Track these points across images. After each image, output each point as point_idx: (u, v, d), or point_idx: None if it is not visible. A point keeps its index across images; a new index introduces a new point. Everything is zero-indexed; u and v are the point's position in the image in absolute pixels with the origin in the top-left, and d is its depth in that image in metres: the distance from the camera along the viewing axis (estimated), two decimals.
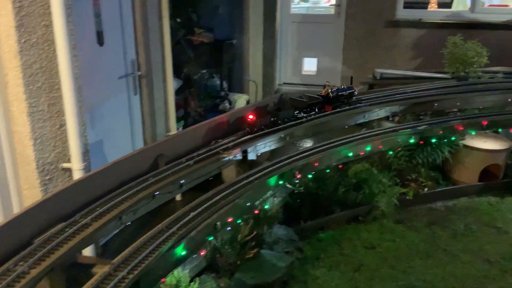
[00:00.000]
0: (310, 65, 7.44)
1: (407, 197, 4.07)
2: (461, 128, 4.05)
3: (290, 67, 7.45)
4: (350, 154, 3.51)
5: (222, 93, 5.67)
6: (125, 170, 2.58)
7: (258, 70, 6.55)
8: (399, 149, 4.02)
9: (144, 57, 3.86)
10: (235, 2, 5.86)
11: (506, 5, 6.95)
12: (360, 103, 3.88)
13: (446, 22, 6.60)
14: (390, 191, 3.97)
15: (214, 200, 2.59)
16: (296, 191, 3.54)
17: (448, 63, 4.84)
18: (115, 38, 3.64)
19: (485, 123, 4.10)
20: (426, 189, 4.23)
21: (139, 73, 3.86)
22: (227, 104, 5.52)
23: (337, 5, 6.99)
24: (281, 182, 3.04)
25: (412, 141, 3.86)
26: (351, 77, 4.08)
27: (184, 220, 2.36)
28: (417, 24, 6.67)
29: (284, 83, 7.49)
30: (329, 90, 3.71)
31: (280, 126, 3.33)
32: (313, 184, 3.62)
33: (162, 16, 3.90)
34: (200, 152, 2.88)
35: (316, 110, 3.59)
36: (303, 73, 7.45)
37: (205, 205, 2.51)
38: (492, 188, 4.40)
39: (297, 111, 3.49)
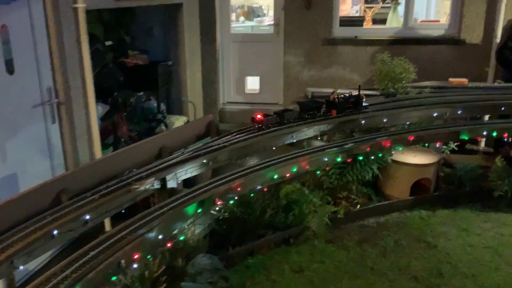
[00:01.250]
0: (253, 83, 7.40)
1: (339, 216, 4.01)
2: (387, 144, 4.04)
3: (233, 86, 7.37)
4: (275, 177, 3.43)
5: (159, 116, 5.51)
6: (21, 208, 2.39)
7: (197, 91, 6.44)
8: (327, 168, 3.97)
9: (62, 83, 3.67)
10: (170, 23, 5.75)
11: (437, 21, 7.17)
12: (367, 108, 4.05)
13: (381, 39, 6.71)
14: (321, 210, 3.91)
15: (119, 236, 2.42)
16: (222, 217, 3.41)
17: (377, 80, 4.87)
18: (28, 65, 3.45)
19: (411, 138, 4.12)
20: (358, 206, 4.20)
21: (57, 100, 3.67)
22: (163, 127, 5.36)
23: (276, 25, 7.00)
24: (200, 210, 2.91)
25: (339, 159, 3.82)
26: (359, 86, 4.24)
27: (81, 261, 2.19)
28: (353, 41, 6.75)
29: (228, 102, 7.41)
30: (336, 96, 3.94)
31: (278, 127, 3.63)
32: (240, 208, 3.50)
33: (80, 41, 3.73)
34: (109, 184, 2.72)
35: (321, 113, 3.89)
36: (247, 91, 7.39)
37: (107, 243, 2.34)
38: (424, 201, 4.41)
39: (303, 113, 3.82)
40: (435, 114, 4.37)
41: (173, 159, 3.20)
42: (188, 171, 3.22)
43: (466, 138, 4.38)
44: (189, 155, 3.26)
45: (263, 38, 7.27)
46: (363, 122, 4.14)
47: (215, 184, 3.08)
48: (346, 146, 3.84)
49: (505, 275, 3.31)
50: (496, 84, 5.37)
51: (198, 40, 6.29)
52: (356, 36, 6.74)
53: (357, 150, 3.92)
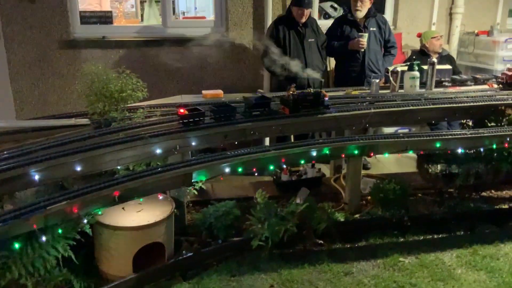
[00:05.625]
0: None
1: None
2: (75, 210, 2.52)
3: None
4: None
5: None
6: None
7: None
8: None
9: None
10: None
11: (203, 17, 5.95)
12: (328, 108, 3.47)
13: (137, 39, 5.21)
14: None
15: None
16: None
17: (88, 101, 3.32)
18: None
19: (117, 194, 2.66)
20: None
21: None
22: None
23: None
24: None
25: None
26: (321, 81, 3.94)
27: None
28: (102, 43, 5.10)
29: None
30: (291, 92, 3.42)
31: None
32: None
33: None
34: None
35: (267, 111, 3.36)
36: None
37: None
38: (155, 276, 3.01)
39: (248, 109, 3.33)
40: (158, 151, 2.99)
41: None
42: None
43: (204, 179, 3.13)
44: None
45: None
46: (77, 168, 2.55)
47: None
48: None
49: None
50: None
51: None
52: (104, 37, 5.12)
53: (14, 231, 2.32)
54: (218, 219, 3.37)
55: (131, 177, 2.73)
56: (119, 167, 2.93)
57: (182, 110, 3.08)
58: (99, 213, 2.70)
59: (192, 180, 2.97)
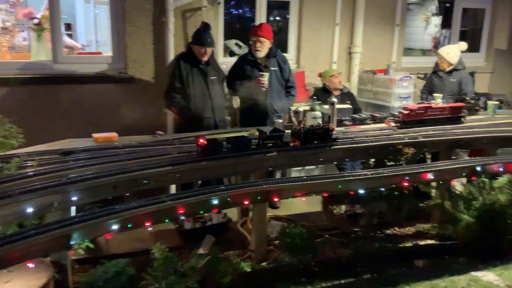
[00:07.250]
0: None
1: None
2: None
3: None
4: None
5: None
6: None
7: None
8: None
9: None
10: None
11: (99, 53, 5.59)
12: (336, 141, 3.56)
13: (23, 77, 4.71)
14: None
15: None
16: None
17: None
18: None
19: None
20: None
21: None
22: None
23: None
24: None
25: None
26: (329, 116, 3.93)
27: None
28: None
29: None
30: (302, 126, 3.52)
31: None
32: None
33: None
34: None
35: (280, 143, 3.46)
36: None
37: None
38: None
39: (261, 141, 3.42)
40: (29, 209, 2.57)
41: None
42: None
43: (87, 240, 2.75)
44: None
45: None
46: None
47: None
48: None
49: None
50: (158, 137, 3.95)
51: None
52: None
53: None
54: (108, 282, 2.96)
55: None
56: None
57: (201, 140, 3.17)
58: None
59: (72, 242, 2.57)
